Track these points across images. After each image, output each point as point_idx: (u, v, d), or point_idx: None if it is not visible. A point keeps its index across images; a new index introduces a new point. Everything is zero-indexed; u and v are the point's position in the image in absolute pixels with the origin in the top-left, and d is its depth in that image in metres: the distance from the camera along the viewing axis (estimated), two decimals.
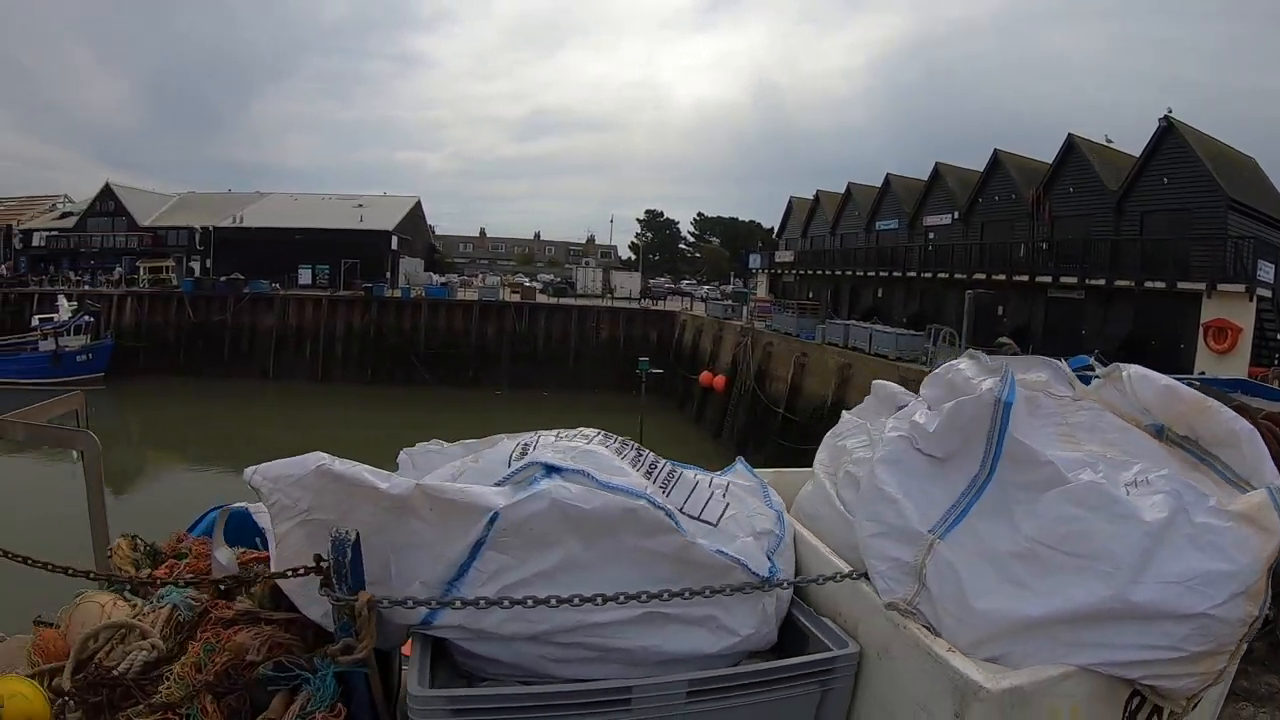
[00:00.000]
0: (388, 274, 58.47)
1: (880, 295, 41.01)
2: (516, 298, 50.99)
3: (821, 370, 28.26)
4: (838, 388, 26.03)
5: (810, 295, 45.92)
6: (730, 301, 44.38)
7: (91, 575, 2.47)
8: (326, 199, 67.19)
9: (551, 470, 2.29)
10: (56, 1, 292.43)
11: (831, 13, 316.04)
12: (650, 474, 2.50)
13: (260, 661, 2.10)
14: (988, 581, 2.01)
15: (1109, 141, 34.15)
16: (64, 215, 72.04)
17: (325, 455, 2.22)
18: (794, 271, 51.22)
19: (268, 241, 59.35)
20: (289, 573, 2.13)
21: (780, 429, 28.69)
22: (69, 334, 45.82)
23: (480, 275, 71.96)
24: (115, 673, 2.13)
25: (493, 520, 2.15)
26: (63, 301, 47.96)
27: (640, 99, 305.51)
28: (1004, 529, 2.07)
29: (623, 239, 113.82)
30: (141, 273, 57.85)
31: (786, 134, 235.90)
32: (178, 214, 68.42)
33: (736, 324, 37.91)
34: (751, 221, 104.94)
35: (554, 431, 2.75)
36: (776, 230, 61.85)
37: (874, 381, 3.26)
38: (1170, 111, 28.51)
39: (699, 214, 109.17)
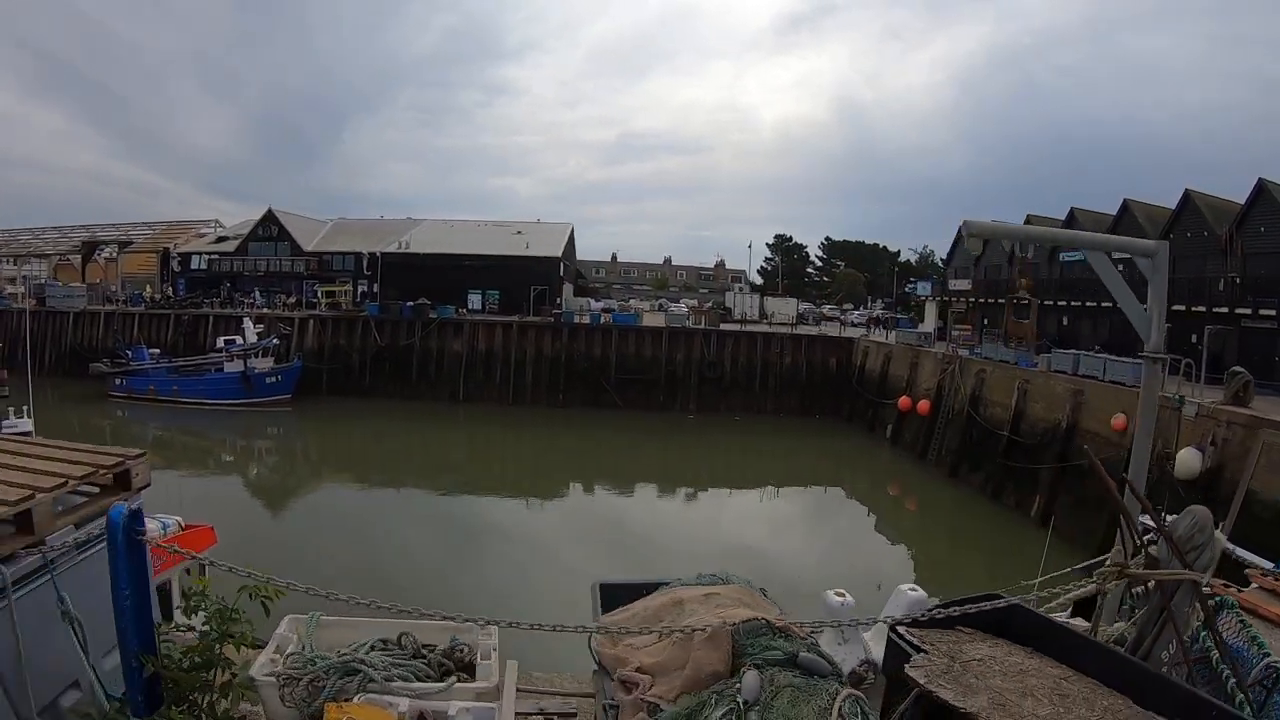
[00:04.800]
0: (559, 299, 64.44)
1: (1066, 323, 46.18)
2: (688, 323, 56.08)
3: (1048, 396, 32.58)
4: (1071, 412, 30.54)
5: (985, 323, 51.45)
6: (924, 330, 50.02)
7: None
8: (483, 226, 73.98)
9: None
10: (161, 39, 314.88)
11: (915, 27, 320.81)
12: None
13: None
14: None
15: None
16: (220, 240, 79.63)
17: None
18: (968, 299, 56.57)
19: (436, 267, 66.06)
20: None
21: (1004, 451, 33.13)
22: (257, 356, 50.04)
23: (631, 299, 79.07)
24: None
25: None
26: (248, 324, 52.43)
27: (726, 122, 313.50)
28: None
29: (731, 256, 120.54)
30: (321, 296, 64.72)
31: (875, 153, 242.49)
32: (336, 240, 75.47)
33: (934, 351, 42.97)
34: (875, 244, 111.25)
35: None
36: (945, 258, 67.25)
37: None
38: None
39: (827, 238, 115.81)
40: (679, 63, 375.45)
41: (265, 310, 60.96)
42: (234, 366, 49.98)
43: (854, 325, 65.62)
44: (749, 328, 57.40)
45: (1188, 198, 41.01)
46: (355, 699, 4.21)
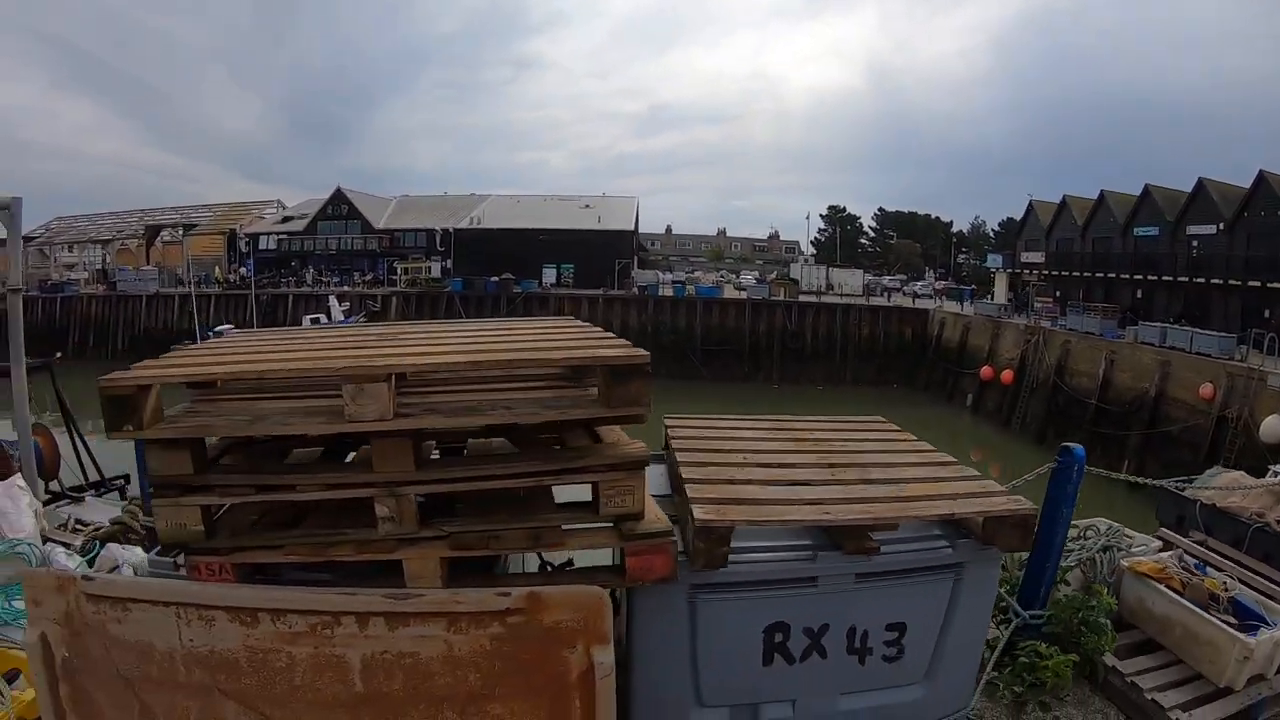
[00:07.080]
0: (632, 273, 67.26)
1: (1139, 296, 48.96)
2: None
3: (1134, 366, 35.32)
4: (1160, 380, 33.34)
5: (1057, 294, 54.54)
6: (1004, 302, 53.80)
7: None
8: (549, 200, 77.12)
9: None
10: (191, 30, 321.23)
11: None
12: None
13: None
14: None
15: None
16: (285, 219, 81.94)
17: None
18: (1040, 272, 59.67)
19: (508, 241, 68.30)
20: None
21: (1092, 419, 35.75)
22: None
23: (696, 271, 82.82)
24: None
25: None
26: (334, 302, 54.91)
27: (756, 90, 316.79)
28: None
29: (781, 227, 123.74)
30: (400, 273, 67.48)
31: (911, 121, 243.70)
32: (403, 217, 77.96)
33: (1015, 322, 46.28)
34: (927, 215, 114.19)
35: None
36: (1016, 231, 70.17)
37: None
38: None
39: (880, 209, 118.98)
40: (705, 33, 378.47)
41: (346, 289, 63.00)
42: None
43: (918, 296, 68.70)
44: (825, 299, 60.28)
45: (1261, 178, 43.40)
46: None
